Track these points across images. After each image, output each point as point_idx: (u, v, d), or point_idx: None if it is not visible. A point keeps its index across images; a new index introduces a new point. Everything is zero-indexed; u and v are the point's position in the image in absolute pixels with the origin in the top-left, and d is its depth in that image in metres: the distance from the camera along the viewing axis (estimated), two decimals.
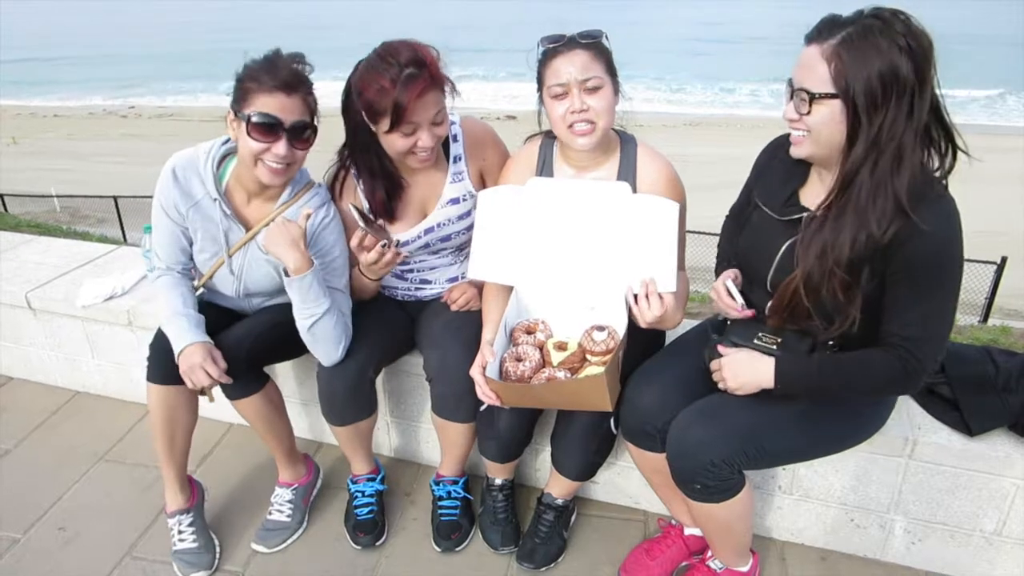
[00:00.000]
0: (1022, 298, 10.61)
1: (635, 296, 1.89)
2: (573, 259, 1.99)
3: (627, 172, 2.05)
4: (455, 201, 2.26)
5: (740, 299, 1.89)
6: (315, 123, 2.04)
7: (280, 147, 1.99)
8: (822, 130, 1.61)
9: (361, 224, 1.96)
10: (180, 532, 2.33)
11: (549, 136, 2.13)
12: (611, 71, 1.94)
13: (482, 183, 2.30)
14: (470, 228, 2.29)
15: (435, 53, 1.99)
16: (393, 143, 2.01)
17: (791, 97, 1.64)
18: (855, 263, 1.62)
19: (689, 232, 2.10)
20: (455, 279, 2.44)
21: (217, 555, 2.34)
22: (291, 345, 2.28)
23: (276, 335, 2.28)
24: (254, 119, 1.94)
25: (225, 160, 2.18)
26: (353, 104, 2.04)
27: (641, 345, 2.09)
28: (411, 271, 2.41)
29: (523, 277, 2.04)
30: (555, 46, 1.90)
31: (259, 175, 2.05)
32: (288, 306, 2.30)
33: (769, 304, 1.80)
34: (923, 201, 1.56)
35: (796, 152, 1.70)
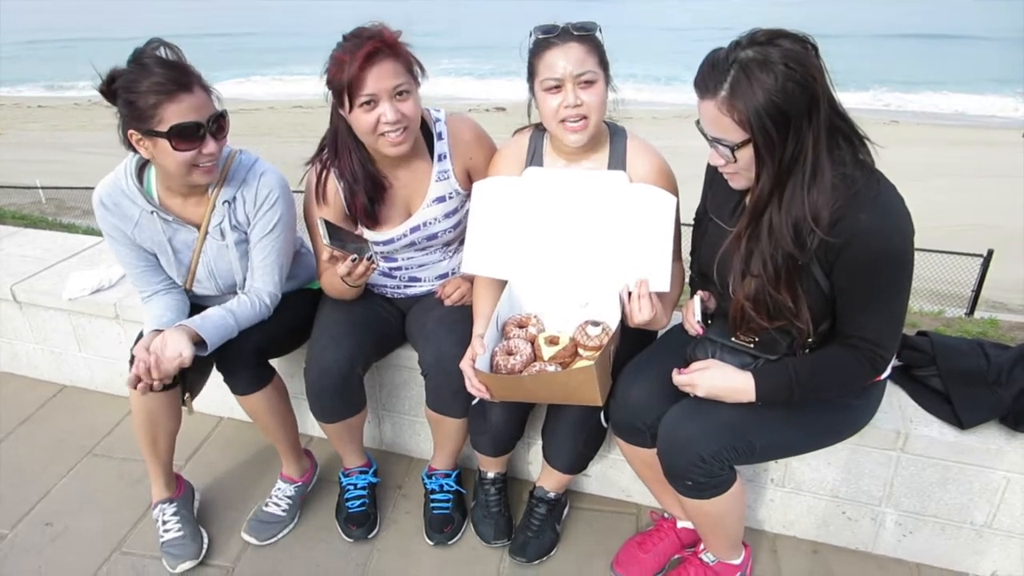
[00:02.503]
0: (1008, 291, 10.71)
1: (628, 294, 1.89)
2: (568, 254, 1.98)
3: (617, 163, 2.04)
4: (441, 199, 2.23)
5: (698, 315, 1.91)
6: (222, 107, 2.01)
7: (209, 147, 1.96)
8: (750, 170, 1.62)
9: (326, 241, 1.91)
10: (164, 522, 2.32)
11: (539, 128, 2.11)
12: (604, 65, 1.92)
13: (468, 181, 2.27)
14: (457, 226, 2.28)
15: (396, 31, 1.96)
16: (358, 121, 1.98)
17: (709, 143, 1.65)
18: (792, 272, 1.63)
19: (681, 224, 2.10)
20: (445, 275, 2.41)
21: (204, 546, 2.32)
22: (296, 336, 2.32)
23: (282, 327, 2.30)
24: (174, 131, 1.89)
25: (143, 171, 2.14)
26: (334, 111, 2.04)
27: (632, 342, 2.08)
28: (399, 269, 2.38)
29: (517, 271, 2.03)
30: (549, 37, 1.88)
31: (195, 180, 2.02)
32: (290, 297, 2.32)
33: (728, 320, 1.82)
34: (856, 202, 1.56)
35: (737, 185, 1.72)
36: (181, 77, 1.88)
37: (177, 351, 1.97)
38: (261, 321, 2.23)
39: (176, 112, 1.87)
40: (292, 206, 2.24)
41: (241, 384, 2.24)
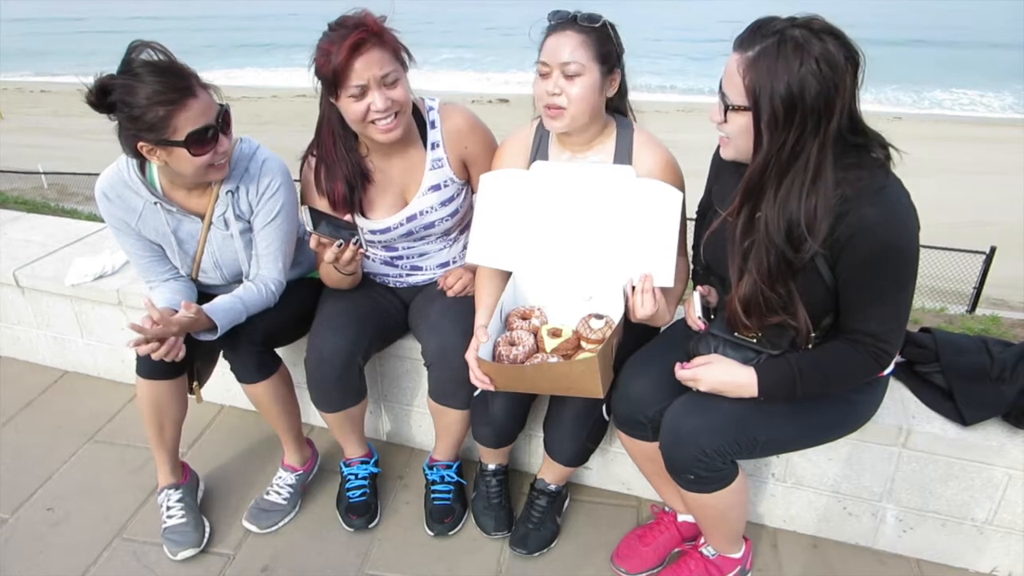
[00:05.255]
0: (1008, 288, 10.68)
1: (632, 288, 1.88)
2: (573, 247, 1.97)
3: (623, 156, 2.03)
4: (436, 188, 2.23)
5: (698, 311, 1.91)
6: (223, 100, 2.00)
7: (223, 145, 1.97)
8: (738, 138, 1.62)
9: (309, 227, 1.92)
10: (169, 508, 2.33)
11: None
12: (602, 59, 1.90)
13: (464, 170, 2.27)
14: (454, 214, 2.28)
15: (381, 17, 1.96)
16: (347, 111, 1.98)
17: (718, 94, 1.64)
18: (785, 272, 1.63)
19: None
20: (446, 264, 2.41)
21: (206, 535, 2.33)
22: (301, 324, 2.32)
23: (288, 315, 2.30)
24: (191, 139, 1.88)
25: (145, 162, 2.10)
26: (322, 97, 2.05)
27: (635, 336, 2.08)
28: (400, 258, 2.38)
29: (522, 263, 2.03)
30: (555, 24, 1.89)
31: (210, 178, 2.04)
32: (295, 285, 2.32)
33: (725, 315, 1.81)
34: (861, 196, 1.55)
35: (724, 154, 1.73)
36: (182, 83, 1.86)
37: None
38: (267, 309, 2.23)
39: (188, 120, 1.86)
40: (294, 193, 2.23)
41: (247, 372, 2.24)
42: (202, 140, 1.91)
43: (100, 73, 1.84)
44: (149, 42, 1.87)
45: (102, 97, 1.83)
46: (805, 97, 1.47)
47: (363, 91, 1.94)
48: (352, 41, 1.87)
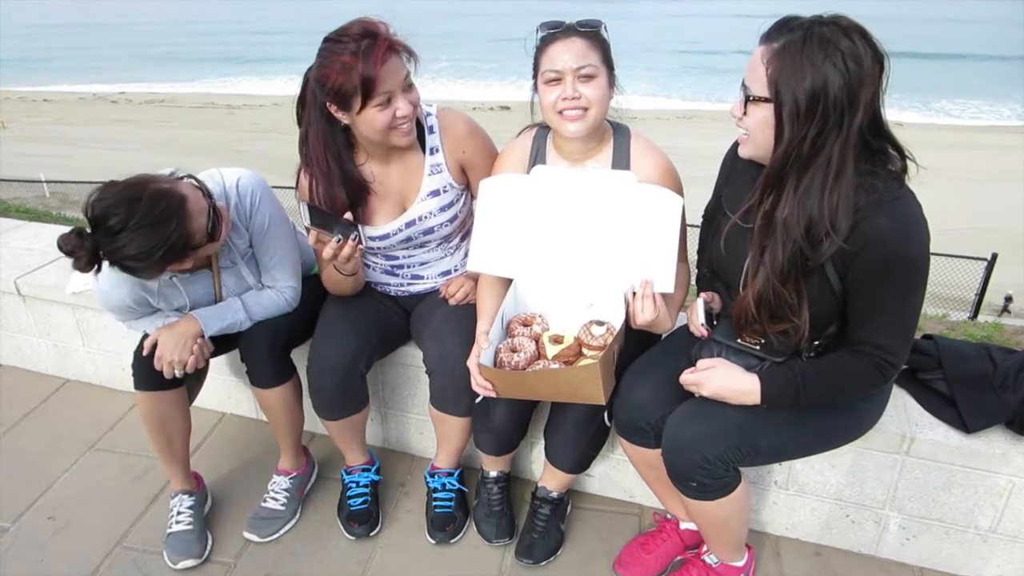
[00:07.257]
0: (1009, 295, 10.69)
1: (633, 294, 1.88)
2: (574, 253, 1.96)
3: (621, 163, 2.03)
4: (435, 193, 2.23)
5: (702, 318, 1.91)
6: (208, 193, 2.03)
7: (221, 229, 2.02)
8: (757, 133, 1.62)
9: (307, 223, 1.92)
10: (179, 512, 2.33)
11: (544, 127, 2.10)
12: (607, 62, 1.92)
13: (463, 175, 2.27)
14: (453, 220, 2.28)
15: (384, 24, 1.95)
16: (372, 121, 1.96)
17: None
18: (799, 270, 1.62)
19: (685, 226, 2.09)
20: (448, 273, 2.41)
21: (208, 548, 2.32)
22: (312, 326, 2.34)
23: (299, 318, 2.33)
24: (205, 243, 1.96)
25: None
26: (308, 112, 2.03)
27: (636, 344, 2.07)
28: (401, 267, 2.38)
29: (523, 270, 2.02)
30: (553, 32, 1.89)
31: (212, 250, 2.08)
32: (305, 286, 2.34)
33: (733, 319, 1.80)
34: (876, 206, 1.54)
35: (742, 152, 1.72)
36: (170, 230, 1.85)
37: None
38: (280, 317, 2.25)
39: (191, 245, 1.91)
40: (275, 197, 2.24)
41: (264, 377, 2.26)
42: (214, 237, 1.97)
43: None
44: (107, 200, 1.87)
45: (96, 257, 1.94)
46: (828, 91, 1.47)
47: (390, 99, 1.94)
48: (382, 51, 1.87)
